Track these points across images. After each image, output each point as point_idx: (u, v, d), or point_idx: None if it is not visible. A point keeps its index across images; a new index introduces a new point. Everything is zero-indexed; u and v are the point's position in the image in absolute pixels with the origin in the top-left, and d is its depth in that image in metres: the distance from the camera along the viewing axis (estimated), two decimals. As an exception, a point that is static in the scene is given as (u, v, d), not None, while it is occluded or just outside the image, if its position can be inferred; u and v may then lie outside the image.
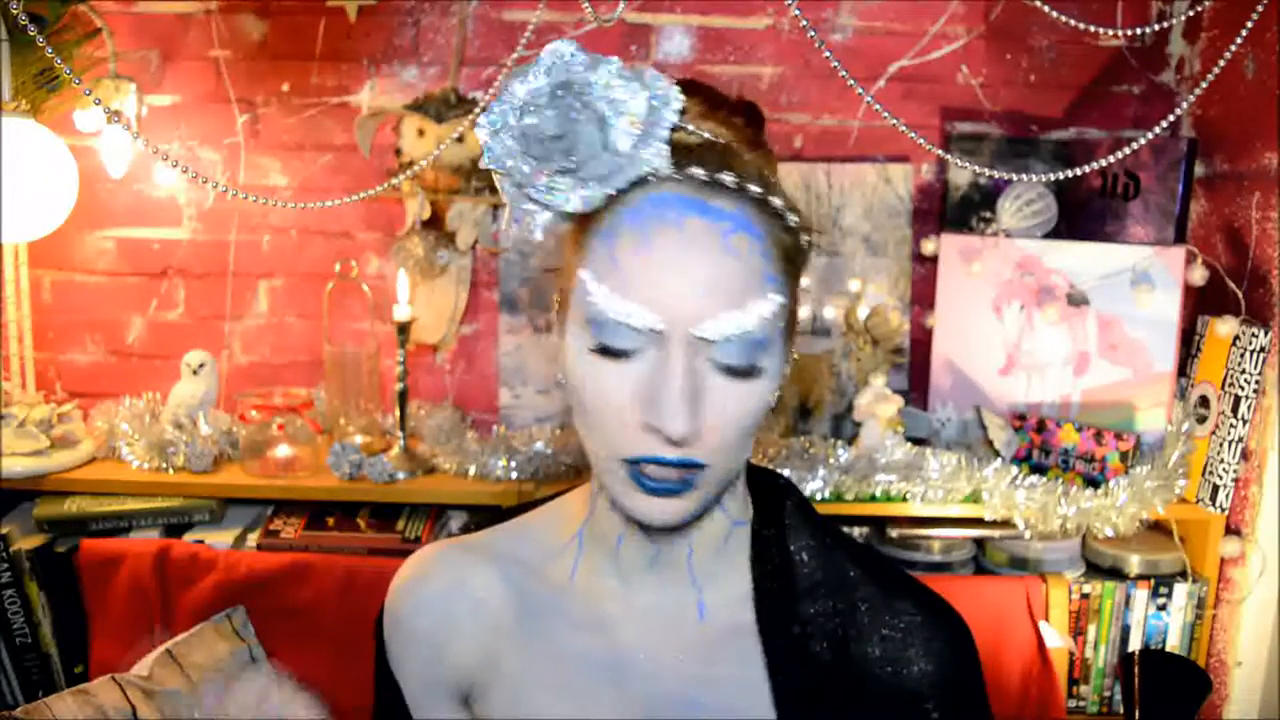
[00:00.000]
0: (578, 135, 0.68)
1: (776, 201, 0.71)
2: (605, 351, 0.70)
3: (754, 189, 0.70)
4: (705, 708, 0.78)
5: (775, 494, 0.86)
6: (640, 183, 0.70)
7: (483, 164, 0.72)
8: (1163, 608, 1.57)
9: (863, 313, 1.77)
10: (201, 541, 1.59)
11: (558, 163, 0.69)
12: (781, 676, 0.77)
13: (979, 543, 1.66)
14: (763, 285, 0.69)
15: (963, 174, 1.77)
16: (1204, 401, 1.58)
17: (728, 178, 0.69)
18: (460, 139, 1.71)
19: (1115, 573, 1.59)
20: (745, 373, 0.70)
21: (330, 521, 1.63)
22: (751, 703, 0.78)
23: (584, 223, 0.72)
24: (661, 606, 0.82)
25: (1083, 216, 1.67)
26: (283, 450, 1.63)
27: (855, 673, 0.78)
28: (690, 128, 0.72)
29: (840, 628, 0.79)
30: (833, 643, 0.78)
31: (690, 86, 0.74)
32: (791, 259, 0.73)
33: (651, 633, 0.81)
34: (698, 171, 0.69)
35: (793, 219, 0.73)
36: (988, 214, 1.74)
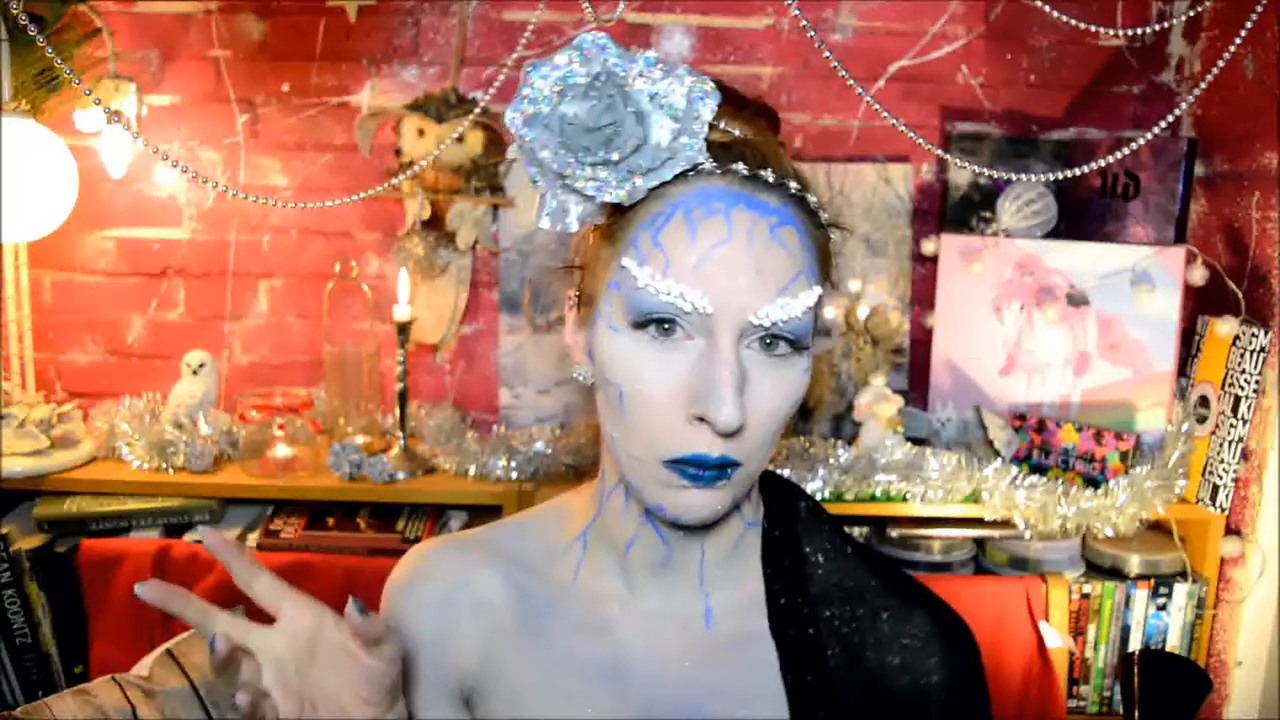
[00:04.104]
0: (618, 128, 0.68)
1: (812, 199, 0.72)
2: (646, 326, 0.69)
3: (793, 186, 0.71)
4: (709, 712, 0.78)
5: (786, 496, 0.86)
6: (680, 176, 0.70)
7: (510, 154, 0.72)
8: (1163, 608, 1.57)
9: (863, 313, 1.77)
10: (201, 541, 1.59)
11: (597, 155, 0.68)
12: (793, 677, 0.77)
13: (979, 543, 1.66)
14: (808, 277, 0.70)
15: (963, 174, 1.77)
16: (1204, 401, 1.58)
17: (769, 174, 0.70)
18: (460, 139, 1.71)
19: (1115, 573, 1.59)
20: (786, 361, 0.70)
21: (330, 521, 1.63)
22: (760, 709, 0.77)
23: (618, 215, 0.72)
24: (666, 610, 0.81)
25: (1083, 216, 1.67)
26: (283, 450, 1.63)
27: (870, 680, 0.77)
28: (722, 125, 0.73)
29: (857, 634, 0.78)
30: (846, 648, 0.78)
31: (718, 86, 0.74)
32: (826, 257, 0.74)
33: (654, 636, 0.80)
34: (740, 167, 0.69)
35: (825, 216, 0.74)
36: (988, 214, 1.74)
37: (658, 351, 0.69)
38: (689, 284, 0.67)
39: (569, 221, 0.72)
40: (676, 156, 0.68)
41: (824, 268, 0.74)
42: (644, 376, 0.69)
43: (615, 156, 0.68)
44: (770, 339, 0.69)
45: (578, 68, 0.69)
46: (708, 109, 0.69)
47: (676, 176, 0.69)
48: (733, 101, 0.75)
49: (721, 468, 0.69)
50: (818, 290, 0.71)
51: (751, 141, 0.72)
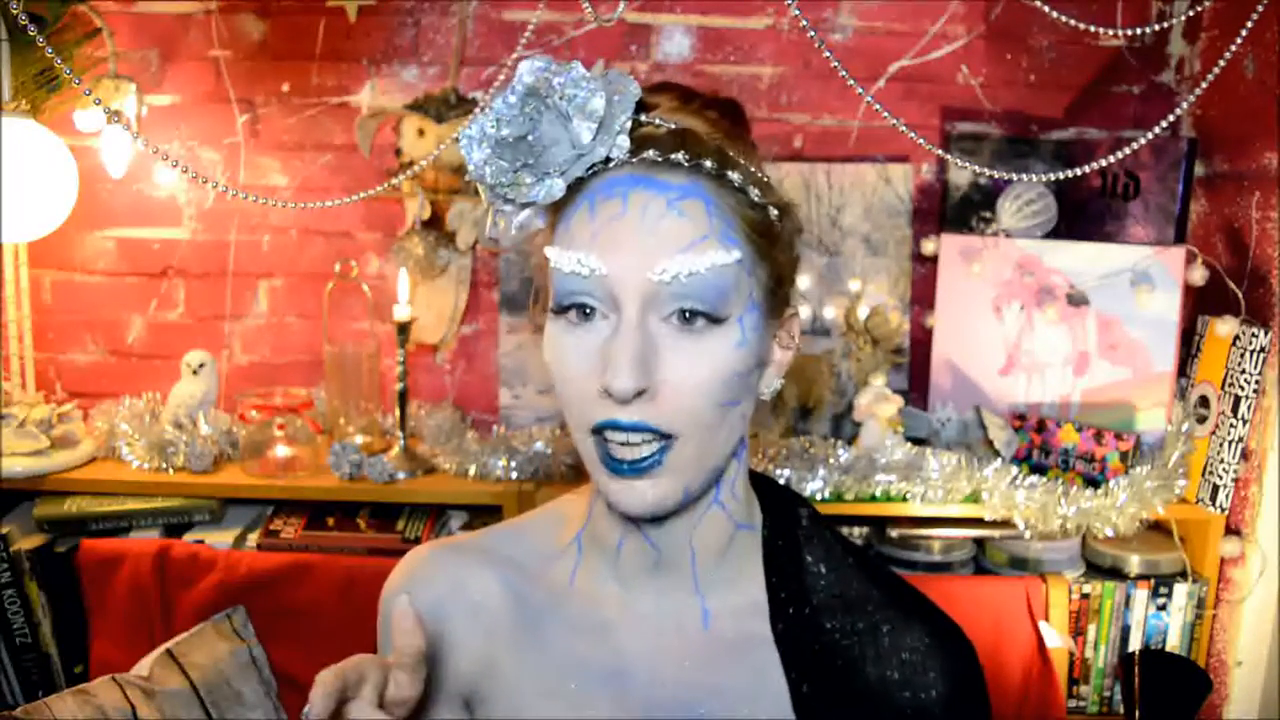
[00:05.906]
0: (541, 134, 0.72)
1: (734, 176, 0.72)
2: (564, 311, 0.72)
3: (708, 164, 0.71)
4: (708, 714, 0.77)
5: (787, 504, 0.85)
6: (600, 172, 0.72)
7: (466, 177, 0.75)
8: (1163, 608, 1.57)
9: (863, 313, 1.77)
10: (201, 541, 1.59)
11: (523, 160, 0.72)
12: (807, 687, 0.77)
13: (979, 543, 1.66)
14: (720, 241, 0.70)
15: (963, 174, 1.77)
16: (1204, 401, 1.58)
17: (680, 156, 0.71)
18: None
19: (1115, 573, 1.59)
20: (702, 326, 0.70)
21: (330, 521, 1.63)
22: (760, 713, 0.77)
23: (554, 214, 0.75)
24: (663, 612, 0.81)
25: (1083, 216, 1.67)
26: (283, 450, 1.63)
27: (872, 693, 0.77)
28: (659, 120, 0.74)
29: (857, 647, 0.78)
30: (848, 660, 0.78)
31: (664, 86, 0.78)
32: (763, 234, 0.73)
33: (652, 639, 0.80)
34: (651, 154, 0.71)
35: (755, 194, 0.73)
36: (988, 214, 1.74)
37: (576, 334, 0.72)
38: (584, 251, 0.70)
39: (511, 229, 0.76)
40: (590, 154, 0.71)
41: (761, 243, 0.73)
42: (566, 358, 0.72)
43: (533, 160, 0.72)
44: (688, 314, 0.70)
45: (518, 93, 0.73)
46: (626, 107, 0.71)
47: (597, 172, 0.72)
48: (680, 97, 0.78)
49: (643, 435, 0.70)
50: (735, 254, 0.70)
51: (676, 131, 0.73)
